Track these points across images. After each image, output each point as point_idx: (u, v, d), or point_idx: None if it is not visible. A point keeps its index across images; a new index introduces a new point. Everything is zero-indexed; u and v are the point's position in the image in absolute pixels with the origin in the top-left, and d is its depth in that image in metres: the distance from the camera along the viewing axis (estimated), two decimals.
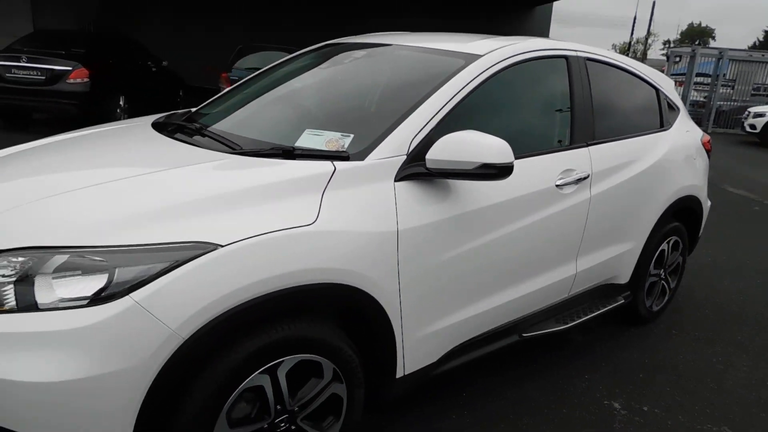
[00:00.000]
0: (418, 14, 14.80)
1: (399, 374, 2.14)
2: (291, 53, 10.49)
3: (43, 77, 8.23)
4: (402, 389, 2.20)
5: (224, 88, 9.67)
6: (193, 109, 3.04)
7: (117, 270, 1.49)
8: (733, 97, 18.26)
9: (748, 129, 15.42)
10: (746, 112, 15.88)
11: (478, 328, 2.44)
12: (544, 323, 2.81)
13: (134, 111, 9.76)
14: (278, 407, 1.80)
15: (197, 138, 2.29)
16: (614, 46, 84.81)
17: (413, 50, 2.72)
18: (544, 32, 16.44)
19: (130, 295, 1.48)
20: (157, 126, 2.55)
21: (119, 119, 9.32)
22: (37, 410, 1.46)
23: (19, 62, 8.22)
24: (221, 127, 2.47)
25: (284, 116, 2.64)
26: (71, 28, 12.57)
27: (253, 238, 1.63)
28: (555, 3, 15.79)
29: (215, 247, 1.58)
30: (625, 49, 66.09)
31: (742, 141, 15.65)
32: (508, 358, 2.99)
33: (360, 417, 2.08)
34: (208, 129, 2.41)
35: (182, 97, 12.11)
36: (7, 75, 8.22)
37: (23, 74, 8.22)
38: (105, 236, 1.54)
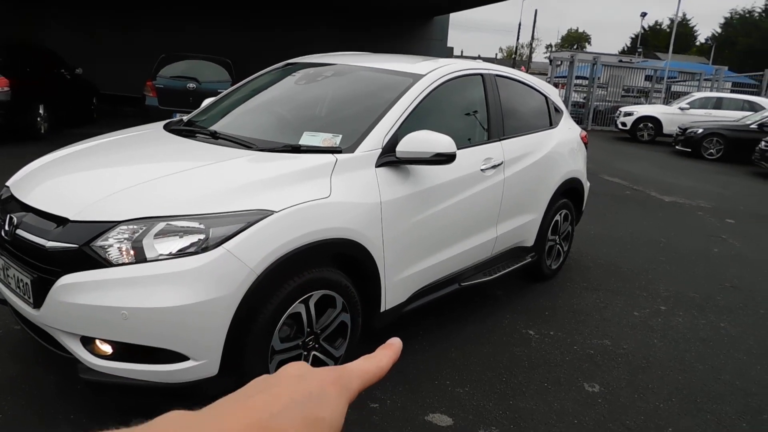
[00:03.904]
0: (327, 25, 15.53)
1: (382, 309, 2.93)
2: (218, 63, 10.89)
3: None
4: (384, 321, 2.99)
5: (149, 96, 9.93)
6: (185, 118, 3.64)
7: (211, 229, 2.18)
8: (607, 98, 20.59)
9: (620, 126, 17.61)
10: (618, 112, 18.11)
11: (431, 277, 3.28)
12: (475, 275, 3.70)
13: (54, 120, 9.76)
14: (308, 329, 2.54)
15: (219, 139, 2.95)
16: (501, 50, 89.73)
17: (372, 70, 3.53)
18: (443, 39, 17.75)
19: (223, 245, 2.17)
20: (175, 131, 3.18)
21: (40, 128, 9.38)
22: (163, 327, 2.12)
23: None
24: (228, 130, 3.12)
25: (275, 120, 3.36)
26: None
27: (294, 206, 2.37)
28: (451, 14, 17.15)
29: (272, 212, 2.30)
30: (512, 53, 70.38)
31: (616, 137, 17.82)
32: (449, 305, 3.86)
33: (358, 340, 2.85)
34: (220, 132, 3.06)
35: (96, 105, 12.08)
36: None
37: None
38: (199, 207, 2.23)
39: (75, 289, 2.17)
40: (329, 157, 2.68)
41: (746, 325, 4.13)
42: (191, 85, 9.61)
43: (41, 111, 9.36)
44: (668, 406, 2.98)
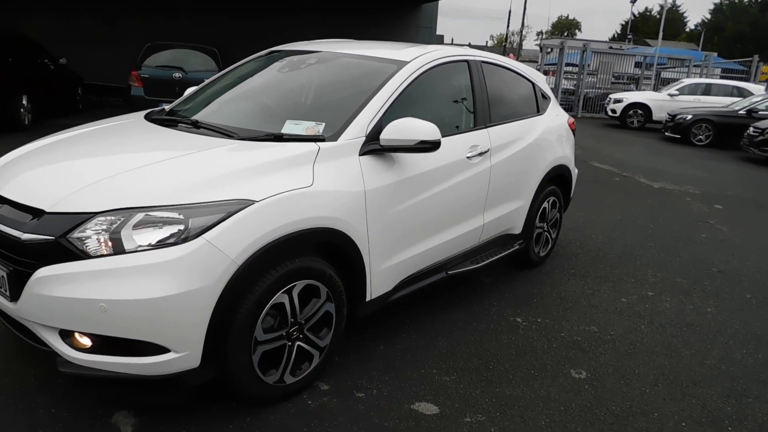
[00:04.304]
0: (316, 11, 15.40)
1: (368, 298, 2.91)
2: (204, 52, 10.79)
3: None
4: (370, 310, 2.97)
5: (135, 85, 9.80)
6: (168, 107, 3.59)
7: (190, 220, 2.14)
8: (597, 85, 20.58)
9: (609, 113, 17.62)
10: (608, 99, 18.11)
11: (417, 265, 3.26)
12: (463, 263, 3.69)
13: (37, 111, 9.62)
14: (292, 320, 2.52)
15: (201, 128, 2.91)
16: (492, 37, 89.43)
17: (357, 57, 3.48)
18: (432, 26, 17.60)
19: (202, 236, 2.14)
20: (156, 121, 3.13)
21: (24, 119, 9.25)
22: (143, 320, 2.09)
23: None
24: (209, 119, 3.08)
25: (258, 109, 3.31)
26: None
27: (275, 196, 2.34)
28: (440, 1, 17.01)
29: (252, 202, 2.27)
30: (502, 41, 70.12)
31: (606, 124, 17.83)
32: (436, 293, 3.85)
33: (343, 330, 2.83)
34: (202, 121, 3.01)
35: (81, 96, 11.93)
36: None
37: None
38: (178, 198, 2.19)
39: (52, 281, 2.13)
40: (312, 146, 2.64)
41: (732, 309, 4.15)
42: (177, 74, 9.51)
43: (25, 102, 9.24)
44: (654, 392, 2.98)
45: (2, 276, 2.28)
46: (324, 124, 2.83)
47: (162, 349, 2.16)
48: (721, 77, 21.80)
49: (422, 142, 2.80)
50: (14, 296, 2.25)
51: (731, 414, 2.84)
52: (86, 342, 2.19)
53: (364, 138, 2.81)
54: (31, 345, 2.36)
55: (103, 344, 2.17)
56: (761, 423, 2.79)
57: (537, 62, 22.86)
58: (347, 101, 3.01)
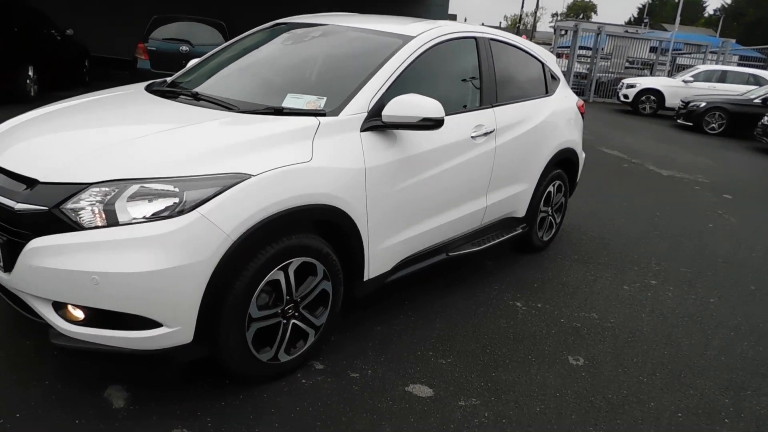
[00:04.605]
0: None
1: (365, 278, 2.87)
2: (211, 25, 10.66)
3: None
4: (367, 290, 2.94)
5: (141, 58, 9.69)
6: (169, 79, 3.53)
7: (186, 193, 2.11)
8: (610, 70, 20.28)
9: (622, 98, 17.38)
10: (620, 83, 17.85)
11: (417, 246, 3.22)
12: (464, 245, 3.64)
13: (43, 82, 9.55)
14: (287, 297, 2.49)
15: (201, 101, 2.86)
16: (505, 18, 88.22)
17: (362, 31, 3.41)
18: (444, 4, 17.32)
19: (197, 209, 2.10)
20: (156, 92, 3.08)
21: (30, 90, 9.19)
22: (135, 293, 2.07)
23: None
24: (210, 91, 3.02)
25: (260, 81, 3.25)
26: None
27: (273, 170, 2.29)
28: None
29: (249, 176, 2.23)
30: (516, 21, 69.21)
31: (618, 109, 17.61)
32: (436, 275, 3.81)
33: (339, 309, 2.81)
34: (202, 94, 2.96)
35: (88, 68, 11.86)
36: None
37: None
38: (174, 170, 2.15)
39: (45, 252, 2.11)
40: (312, 120, 2.59)
41: (736, 301, 4.09)
42: (184, 47, 9.41)
43: (30, 73, 9.15)
44: (651, 381, 2.95)
45: None
46: (326, 98, 2.78)
47: (154, 324, 2.14)
48: (739, 65, 21.43)
49: (425, 119, 2.74)
50: (8, 267, 2.23)
51: (728, 406, 2.80)
52: (79, 314, 2.18)
53: (366, 114, 2.76)
54: (25, 316, 2.34)
55: (96, 317, 2.15)
56: (758, 416, 2.75)
57: (551, 44, 22.52)
58: (350, 76, 2.95)
